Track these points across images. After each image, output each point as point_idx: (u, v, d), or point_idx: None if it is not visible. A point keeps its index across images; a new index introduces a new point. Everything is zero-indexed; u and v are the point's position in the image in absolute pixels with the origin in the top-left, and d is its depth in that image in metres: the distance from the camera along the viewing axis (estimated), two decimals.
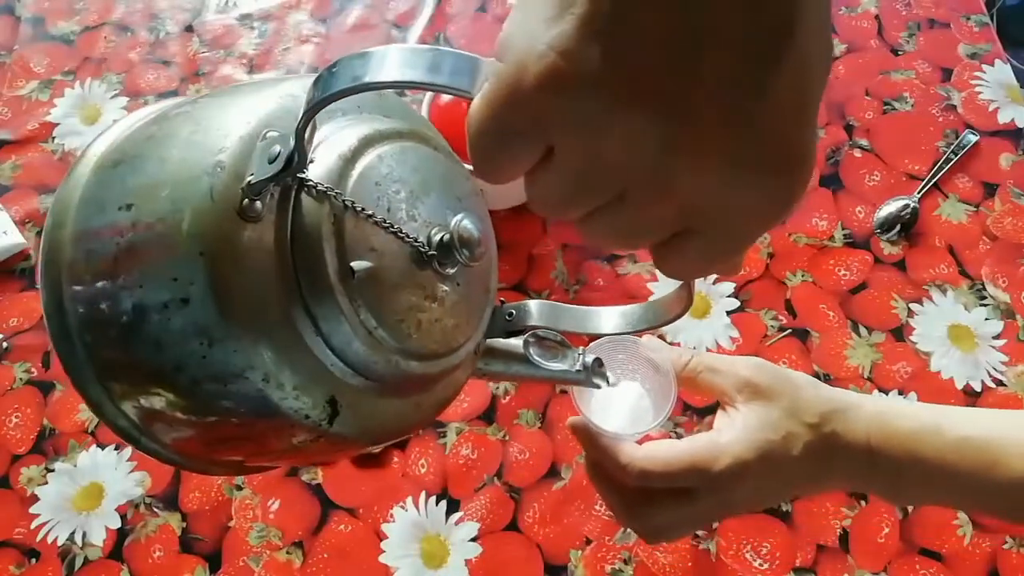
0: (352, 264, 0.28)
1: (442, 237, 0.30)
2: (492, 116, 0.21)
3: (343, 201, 0.28)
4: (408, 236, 0.30)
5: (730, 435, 0.43)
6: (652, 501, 0.44)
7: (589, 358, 0.39)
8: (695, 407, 0.62)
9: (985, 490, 0.42)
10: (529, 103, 0.20)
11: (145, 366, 0.28)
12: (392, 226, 0.29)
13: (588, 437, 0.45)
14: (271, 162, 0.26)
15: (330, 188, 0.28)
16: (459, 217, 0.31)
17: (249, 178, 0.26)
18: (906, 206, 0.68)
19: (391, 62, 0.21)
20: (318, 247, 0.27)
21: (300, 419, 0.28)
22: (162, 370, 0.27)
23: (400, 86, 0.21)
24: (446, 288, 0.32)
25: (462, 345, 0.33)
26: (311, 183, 0.28)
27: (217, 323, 0.26)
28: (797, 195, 0.21)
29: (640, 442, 0.45)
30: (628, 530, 0.58)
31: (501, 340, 0.39)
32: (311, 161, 0.28)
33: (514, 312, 0.37)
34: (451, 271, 0.32)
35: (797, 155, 0.21)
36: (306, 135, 0.25)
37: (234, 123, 0.28)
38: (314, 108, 0.23)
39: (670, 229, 0.22)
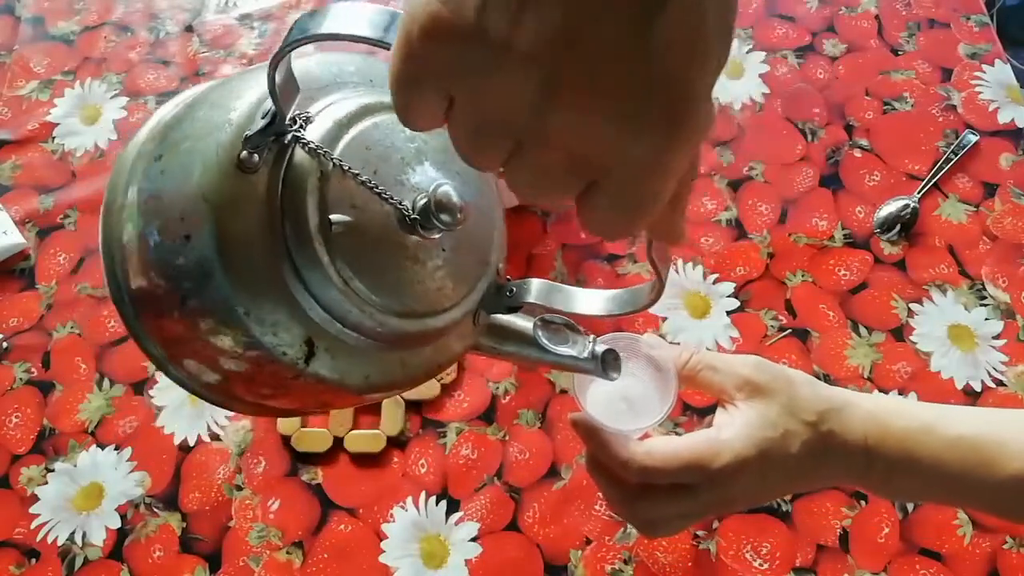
0: (331, 216, 0.30)
1: (424, 202, 0.32)
2: (394, 67, 0.21)
3: (330, 159, 0.30)
4: (392, 198, 0.31)
5: (730, 432, 0.43)
6: (651, 496, 0.45)
7: (600, 347, 0.39)
8: (695, 407, 0.62)
9: (979, 489, 0.42)
10: (418, 53, 0.21)
11: (164, 297, 0.31)
12: (376, 187, 0.31)
13: (589, 432, 0.46)
14: (263, 118, 0.30)
15: (319, 146, 0.30)
16: (441, 183, 0.32)
17: (247, 133, 0.30)
18: (906, 206, 0.68)
19: (345, 17, 0.24)
20: (302, 199, 0.30)
21: (279, 355, 0.31)
22: (174, 300, 0.31)
23: (343, 38, 0.24)
24: (430, 252, 0.34)
25: (447, 309, 0.35)
26: (304, 140, 0.30)
27: (212, 260, 0.30)
28: (683, 139, 0.21)
29: (640, 439, 0.45)
30: (628, 530, 0.58)
31: (515, 321, 0.39)
32: (310, 122, 0.31)
33: (515, 288, 0.38)
34: (435, 236, 0.33)
35: (681, 97, 0.20)
36: (276, 86, 0.28)
37: (249, 89, 0.31)
38: (274, 59, 0.26)
39: (575, 180, 0.22)
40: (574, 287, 0.37)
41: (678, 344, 0.64)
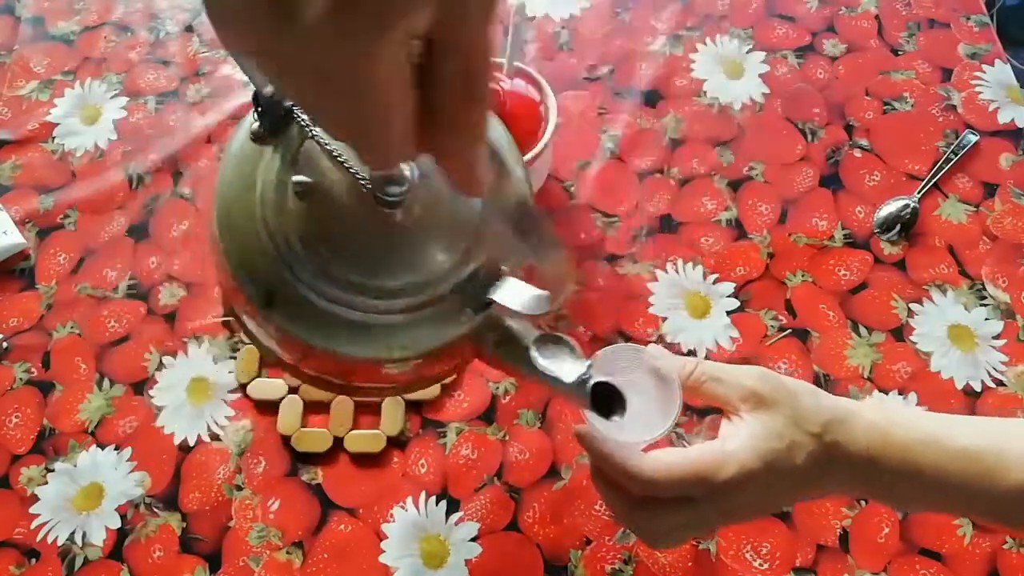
0: (293, 177, 0.35)
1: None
2: None
3: (308, 130, 0.35)
4: (351, 168, 0.34)
5: (735, 444, 0.43)
6: (656, 507, 0.45)
7: (596, 377, 0.37)
8: (695, 407, 0.62)
9: (982, 499, 0.42)
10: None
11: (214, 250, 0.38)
12: (339, 156, 0.34)
13: (593, 444, 0.46)
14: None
15: (301, 119, 0.35)
16: None
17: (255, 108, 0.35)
18: (906, 206, 0.68)
19: None
20: (280, 162, 0.35)
21: (247, 293, 0.36)
22: (214, 250, 0.38)
23: None
24: (391, 228, 0.36)
25: (403, 290, 0.36)
26: (295, 115, 0.35)
27: (222, 212, 0.37)
28: (302, 28, 0.19)
29: (645, 450, 0.45)
30: (628, 530, 0.58)
31: (520, 332, 0.39)
32: None
33: (492, 284, 0.37)
34: (395, 210, 0.35)
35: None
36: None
37: None
38: None
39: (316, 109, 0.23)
40: (515, 279, 0.37)
41: (677, 345, 0.64)
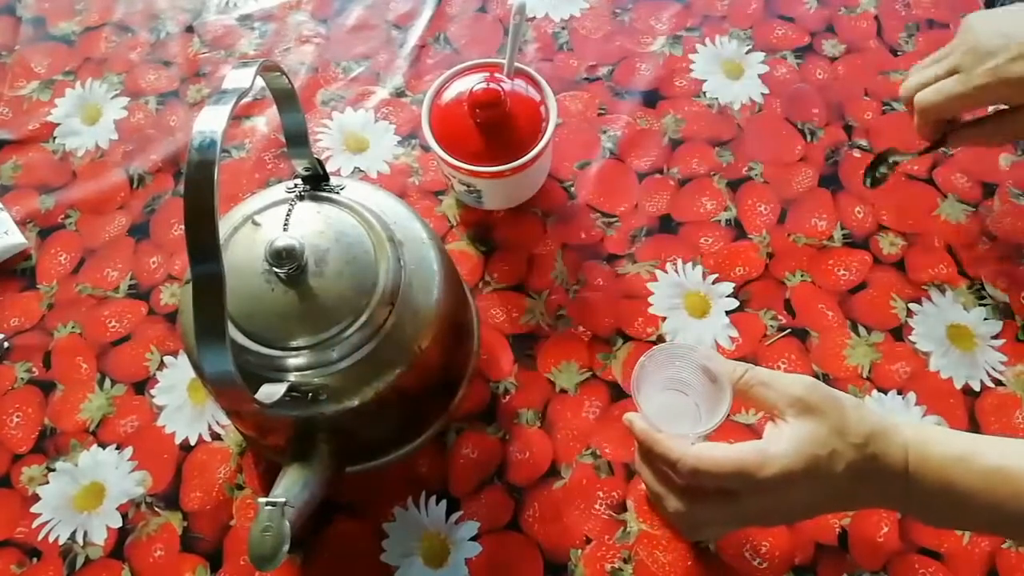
0: None
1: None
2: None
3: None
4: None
5: (779, 446, 0.44)
6: (698, 498, 0.48)
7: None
8: None
9: (1015, 520, 0.43)
10: None
11: None
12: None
13: (643, 430, 0.49)
14: None
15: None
16: (285, 235, 0.45)
17: None
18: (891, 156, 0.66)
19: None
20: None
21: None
22: None
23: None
24: (278, 293, 0.46)
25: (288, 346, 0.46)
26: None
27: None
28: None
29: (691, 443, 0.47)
30: (628, 529, 0.58)
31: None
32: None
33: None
34: (282, 280, 0.46)
35: None
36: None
37: None
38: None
39: None
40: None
41: (688, 342, 0.65)
